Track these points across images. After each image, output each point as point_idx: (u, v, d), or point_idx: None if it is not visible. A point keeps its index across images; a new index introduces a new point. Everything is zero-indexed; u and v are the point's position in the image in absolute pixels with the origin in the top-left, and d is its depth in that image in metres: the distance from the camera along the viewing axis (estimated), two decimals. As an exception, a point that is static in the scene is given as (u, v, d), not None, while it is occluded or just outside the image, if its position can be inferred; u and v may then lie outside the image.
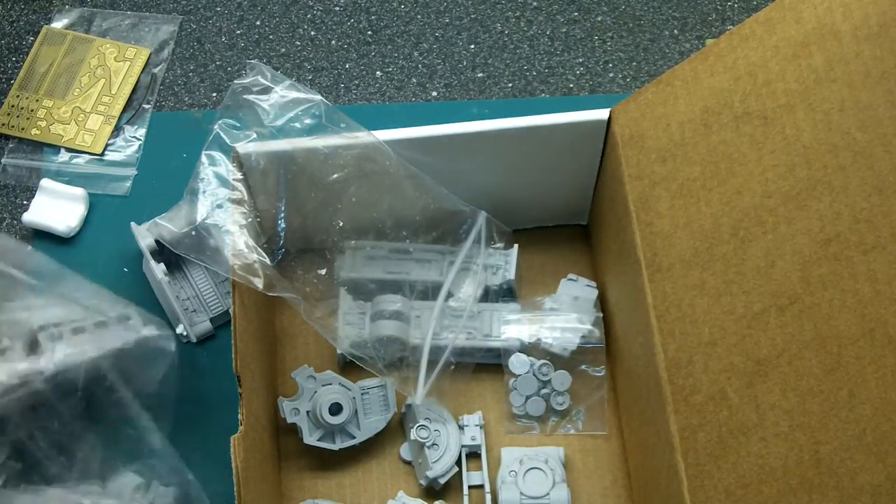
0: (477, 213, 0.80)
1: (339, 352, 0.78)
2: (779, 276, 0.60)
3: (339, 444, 0.75)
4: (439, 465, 0.75)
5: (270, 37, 0.97)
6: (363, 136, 0.73)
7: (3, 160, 0.90)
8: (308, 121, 0.74)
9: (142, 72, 0.94)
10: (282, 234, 0.78)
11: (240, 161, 0.72)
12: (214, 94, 0.94)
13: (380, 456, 0.78)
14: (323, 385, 0.75)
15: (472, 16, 0.99)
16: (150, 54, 0.95)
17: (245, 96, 0.73)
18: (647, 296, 0.67)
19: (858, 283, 0.57)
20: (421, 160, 0.75)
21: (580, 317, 0.80)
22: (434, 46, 0.97)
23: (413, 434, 0.75)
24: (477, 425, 0.77)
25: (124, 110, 0.93)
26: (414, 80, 0.95)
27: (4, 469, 0.70)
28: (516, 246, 0.81)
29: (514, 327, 0.79)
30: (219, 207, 0.71)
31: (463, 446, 0.76)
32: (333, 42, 0.97)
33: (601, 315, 0.80)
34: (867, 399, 0.56)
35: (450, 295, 0.79)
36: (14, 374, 0.68)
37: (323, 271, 0.79)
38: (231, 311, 0.67)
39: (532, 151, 0.76)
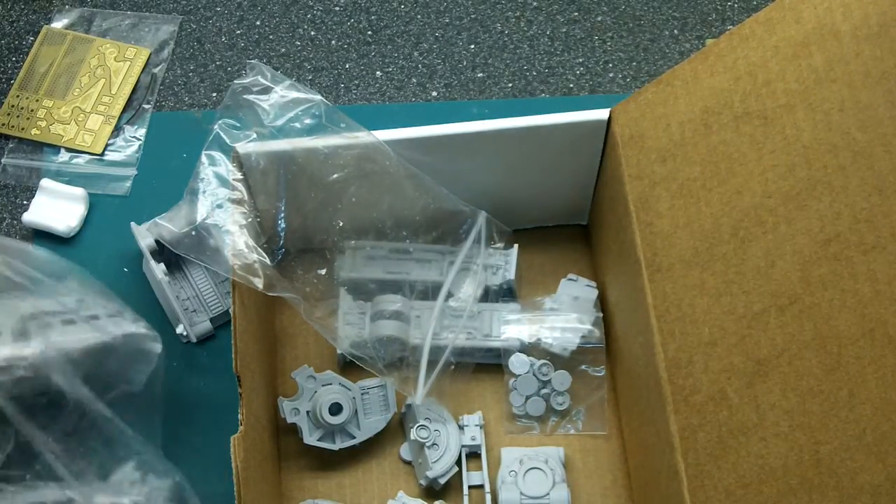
0: (477, 213, 0.80)
1: (339, 352, 0.78)
2: (779, 276, 0.60)
3: (339, 444, 0.75)
4: (439, 465, 0.75)
5: (270, 37, 0.97)
6: (363, 136, 0.73)
7: (3, 160, 0.90)
8: (308, 121, 0.74)
9: (142, 72, 0.94)
10: (282, 234, 0.78)
11: (240, 161, 0.72)
12: (214, 94, 0.94)
13: (380, 456, 0.78)
14: (323, 385, 0.75)
15: (472, 16, 0.99)
16: (150, 54, 0.95)
17: (245, 96, 0.73)
18: (647, 296, 0.67)
19: (858, 283, 0.57)
20: (421, 160, 0.75)
21: (580, 317, 0.80)
22: (434, 46, 0.97)
23: (413, 434, 0.75)
24: (477, 425, 0.77)
25: (124, 110, 0.93)
26: (414, 80, 0.95)
27: None
28: (516, 246, 0.81)
29: (514, 327, 0.79)
30: (219, 207, 0.71)
31: (463, 446, 0.76)
32: (333, 42, 0.97)
33: (601, 315, 0.80)
34: (867, 399, 0.56)
35: (450, 295, 0.79)
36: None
37: (323, 271, 0.79)
38: (231, 311, 0.67)
39: (532, 151, 0.76)
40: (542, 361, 0.78)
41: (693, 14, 0.99)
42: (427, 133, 0.74)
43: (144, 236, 0.80)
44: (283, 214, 0.77)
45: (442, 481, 0.75)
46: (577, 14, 0.99)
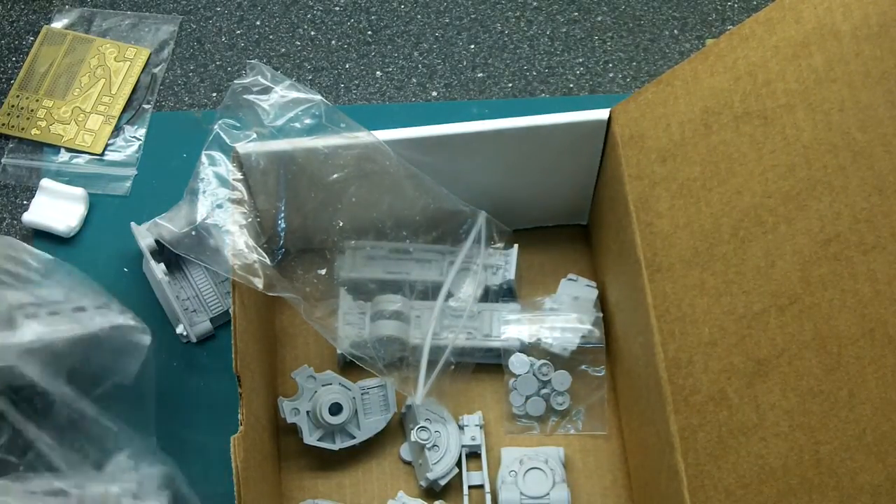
0: (477, 213, 0.80)
1: (339, 352, 0.78)
2: (779, 276, 0.60)
3: (339, 444, 0.75)
4: (440, 466, 0.75)
5: (270, 37, 0.97)
6: (363, 136, 0.73)
7: (3, 160, 0.90)
8: (308, 121, 0.74)
9: (142, 72, 0.94)
10: (282, 234, 0.78)
11: (240, 161, 0.72)
12: (214, 94, 0.94)
13: (380, 456, 0.78)
14: (323, 385, 0.75)
15: (472, 16, 0.99)
16: (150, 54, 0.95)
17: (245, 96, 0.73)
18: (647, 296, 0.67)
19: (858, 283, 0.57)
20: (421, 160, 0.75)
21: (580, 317, 0.80)
22: (434, 46, 0.97)
23: (413, 436, 0.75)
24: (477, 425, 0.77)
25: (124, 110, 0.93)
26: (414, 80, 0.95)
27: None
28: (516, 246, 0.81)
29: (514, 327, 0.79)
30: (219, 207, 0.71)
31: (463, 446, 0.76)
32: (333, 42, 0.97)
33: (601, 315, 0.80)
34: (867, 399, 0.56)
35: (450, 295, 0.79)
36: None
37: (323, 271, 0.79)
38: (231, 311, 0.67)
39: (532, 151, 0.76)
40: (542, 361, 0.78)
41: (693, 14, 0.99)
42: (427, 133, 0.74)
43: (144, 236, 0.80)
44: (283, 214, 0.77)
45: (442, 483, 0.75)
46: (577, 14, 0.99)
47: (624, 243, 0.72)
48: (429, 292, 0.79)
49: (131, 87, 0.94)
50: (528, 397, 0.78)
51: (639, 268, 0.68)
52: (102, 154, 0.91)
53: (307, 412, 0.75)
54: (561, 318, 0.80)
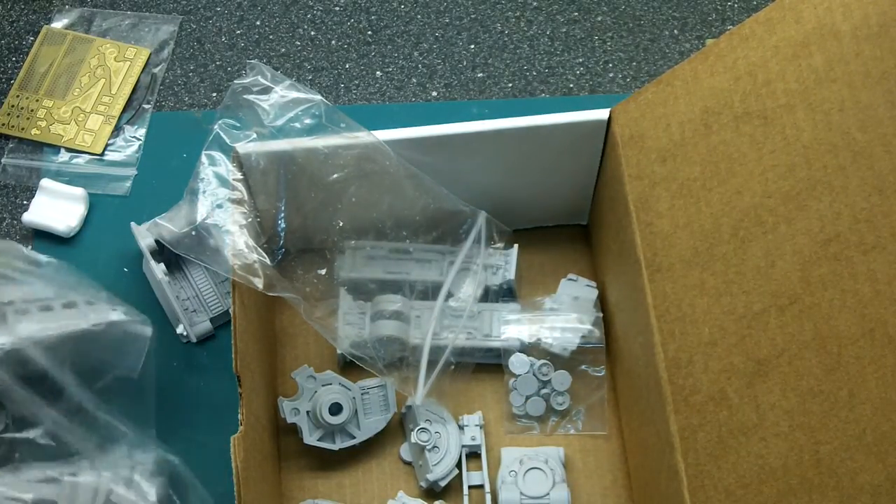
0: (477, 213, 0.80)
1: (339, 352, 0.78)
2: (779, 276, 0.60)
3: (339, 444, 0.75)
4: (440, 467, 0.75)
5: (270, 37, 0.97)
6: (363, 136, 0.73)
7: (3, 160, 0.90)
8: (308, 121, 0.74)
9: (142, 72, 0.94)
10: (282, 234, 0.78)
11: (240, 161, 0.72)
12: (214, 94, 0.94)
13: (380, 456, 0.78)
14: (323, 385, 0.75)
15: (472, 16, 0.99)
16: (150, 54, 0.95)
17: (245, 96, 0.73)
18: (647, 296, 0.67)
19: (858, 283, 0.57)
20: (421, 160, 0.75)
21: (580, 317, 0.80)
22: (434, 46, 0.97)
23: (413, 437, 0.75)
24: (477, 425, 0.77)
25: (124, 110, 0.93)
26: (414, 80, 0.95)
27: None
28: (516, 246, 0.81)
29: (514, 327, 0.79)
30: (219, 207, 0.71)
31: (463, 446, 0.76)
32: (333, 42, 0.97)
33: (601, 315, 0.80)
34: (867, 399, 0.56)
35: (450, 295, 0.79)
36: None
37: (323, 271, 0.79)
38: (231, 311, 0.66)
39: (532, 151, 0.76)
40: (542, 361, 0.78)
41: (693, 14, 0.99)
42: (427, 133, 0.74)
43: (144, 236, 0.80)
44: (283, 214, 0.77)
45: (442, 483, 0.75)
46: (577, 14, 0.99)
47: (624, 243, 0.72)
48: (429, 292, 0.79)
49: (131, 87, 0.94)
50: (528, 397, 0.78)
51: (639, 268, 0.68)
52: (102, 154, 0.91)
53: (307, 412, 0.75)
54: (561, 318, 0.80)
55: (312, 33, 0.97)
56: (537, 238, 0.84)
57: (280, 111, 0.73)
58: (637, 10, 0.99)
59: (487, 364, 0.80)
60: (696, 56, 0.67)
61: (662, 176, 0.68)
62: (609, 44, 0.97)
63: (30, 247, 0.86)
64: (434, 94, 0.95)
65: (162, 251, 0.79)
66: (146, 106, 0.93)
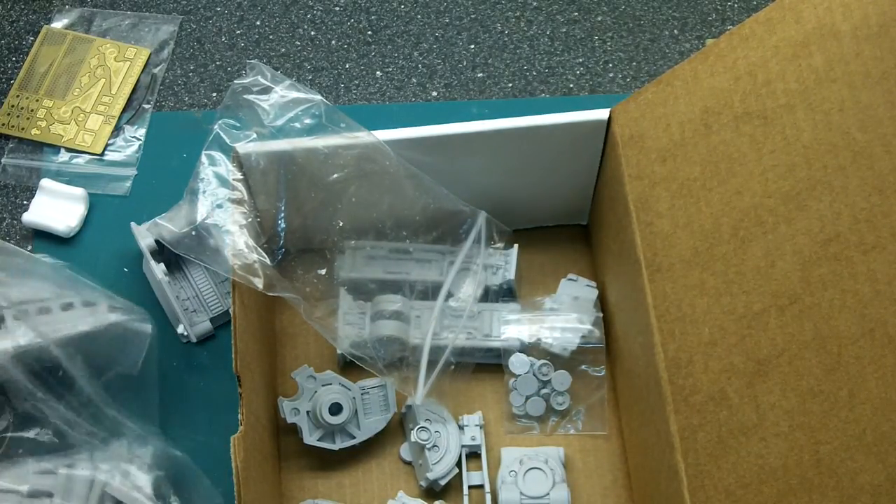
0: (477, 213, 0.80)
1: (339, 352, 0.78)
2: (779, 276, 0.60)
3: (339, 444, 0.75)
4: (440, 466, 0.75)
5: (270, 37, 0.97)
6: (363, 136, 0.73)
7: (3, 160, 0.90)
8: (308, 121, 0.74)
9: (142, 72, 0.94)
10: (282, 234, 0.78)
11: (240, 161, 0.72)
12: (214, 94, 0.94)
13: (380, 456, 0.78)
14: (323, 385, 0.75)
15: (472, 16, 0.99)
16: (150, 54, 0.95)
17: (245, 96, 0.73)
18: (647, 296, 0.67)
19: (858, 283, 0.57)
20: (421, 160, 0.75)
21: (580, 317, 0.80)
22: (434, 46, 0.97)
23: (413, 436, 0.75)
24: (477, 425, 0.77)
25: (124, 110, 0.93)
26: (414, 80, 0.95)
27: None
28: (516, 246, 0.81)
29: (514, 327, 0.79)
30: (219, 207, 0.71)
31: (463, 446, 0.76)
32: (333, 42, 0.97)
33: (601, 315, 0.80)
34: (867, 399, 0.56)
35: (450, 295, 0.79)
36: None
37: (323, 271, 0.79)
38: (231, 311, 0.67)
39: (532, 151, 0.76)
40: (542, 361, 0.78)
41: (693, 14, 0.99)
42: (427, 133, 0.74)
43: (144, 236, 0.80)
44: (283, 214, 0.77)
45: (442, 483, 0.75)
46: (577, 14, 0.99)
47: (624, 243, 0.72)
48: (429, 292, 0.79)
49: (131, 87, 0.94)
50: (528, 397, 0.78)
51: (639, 268, 0.68)
52: (102, 154, 0.91)
53: (307, 412, 0.75)
54: (561, 318, 0.80)
55: (312, 33, 0.97)
56: (537, 238, 0.84)
57: (280, 111, 0.73)
58: (637, 10, 0.99)
59: (487, 364, 0.80)
60: (696, 56, 0.67)
61: (662, 176, 0.68)
62: (609, 44, 0.97)
63: (30, 247, 0.86)
64: (434, 94, 0.95)
65: (162, 251, 0.79)
66: (146, 106, 0.93)
